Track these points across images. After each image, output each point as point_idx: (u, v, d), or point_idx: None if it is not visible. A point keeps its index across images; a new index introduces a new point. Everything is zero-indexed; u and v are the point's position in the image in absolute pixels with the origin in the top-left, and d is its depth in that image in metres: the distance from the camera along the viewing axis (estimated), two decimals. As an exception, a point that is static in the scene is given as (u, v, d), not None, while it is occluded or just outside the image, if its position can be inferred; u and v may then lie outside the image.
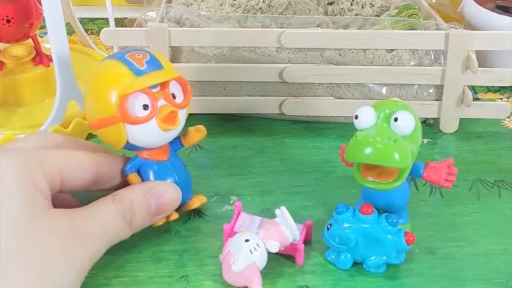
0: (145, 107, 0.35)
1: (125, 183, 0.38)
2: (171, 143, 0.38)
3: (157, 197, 0.36)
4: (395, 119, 0.35)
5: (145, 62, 0.36)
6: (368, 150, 0.33)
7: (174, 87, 0.37)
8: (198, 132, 0.40)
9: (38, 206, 0.32)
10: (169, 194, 0.37)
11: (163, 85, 0.36)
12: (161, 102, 0.36)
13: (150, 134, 0.36)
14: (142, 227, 0.36)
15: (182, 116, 0.37)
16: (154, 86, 0.36)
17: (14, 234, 0.30)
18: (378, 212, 0.36)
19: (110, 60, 0.37)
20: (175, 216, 0.38)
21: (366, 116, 0.35)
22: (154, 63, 0.36)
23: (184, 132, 0.40)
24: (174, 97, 0.37)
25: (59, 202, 0.34)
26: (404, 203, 0.38)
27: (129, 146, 0.37)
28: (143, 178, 0.38)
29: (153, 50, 0.38)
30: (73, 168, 0.35)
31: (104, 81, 0.36)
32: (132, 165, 0.38)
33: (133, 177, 0.38)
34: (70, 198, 0.39)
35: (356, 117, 0.36)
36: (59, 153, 0.36)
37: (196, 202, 0.40)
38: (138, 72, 0.35)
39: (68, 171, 0.35)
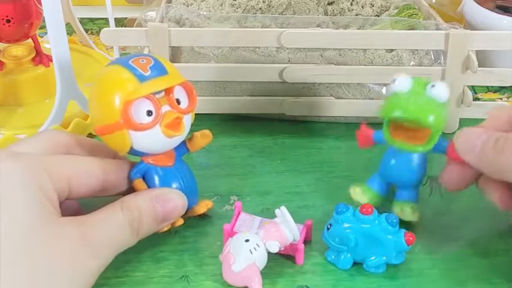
0: (149, 113, 0.35)
1: (131, 189, 0.38)
2: (177, 148, 0.38)
3: (163, 204, 0.36)
4: (433, 86, 0.36)
5: (150, 67, 0.35)
6: (405, 107, 0.35)
7: (179, 93, 0.37)
8: (203, 137, 0.39)
9: (47, 215, 0.31)
10: (175, 201, 0.37)
11: (168, 91, 0.36)
12: (165, 108, 0.36)
13: (155, 140, 0.36)
14: (147, 234, 0.36)
15: (187, 121, 0.37)
16: (159, 92, 0.35)
17: (21, 244, 0.30)
18: (389, 190, 0.37)
19: (113, 66, 0.36)
20: (180, 222, 0.38)
21: (403, 81, 0.37)
22: (159, 69, 0.36)
23: (189, 137, 0.39)
24: (178, 102, 0.36)
25: (63, 206, 0.34)
26: (421, 179, 0.39)
27: (133, 152, 0.36)
28: (148, 184, 0.38)
29: (158, 55, 0.37)
30: (81, 175, 0.35)
31: (107, 87, 0.35)
32: (137, 170, 0.37)
33: (138, 183, 0.37)
34: (73, 200, 0.38)
35: (393, 81, 0.37)
36: (67, 160, 0.35)
37: (202, 207, 0.40)
38: (141, 78, 0.35)
39: (76, 179, 0.34)
